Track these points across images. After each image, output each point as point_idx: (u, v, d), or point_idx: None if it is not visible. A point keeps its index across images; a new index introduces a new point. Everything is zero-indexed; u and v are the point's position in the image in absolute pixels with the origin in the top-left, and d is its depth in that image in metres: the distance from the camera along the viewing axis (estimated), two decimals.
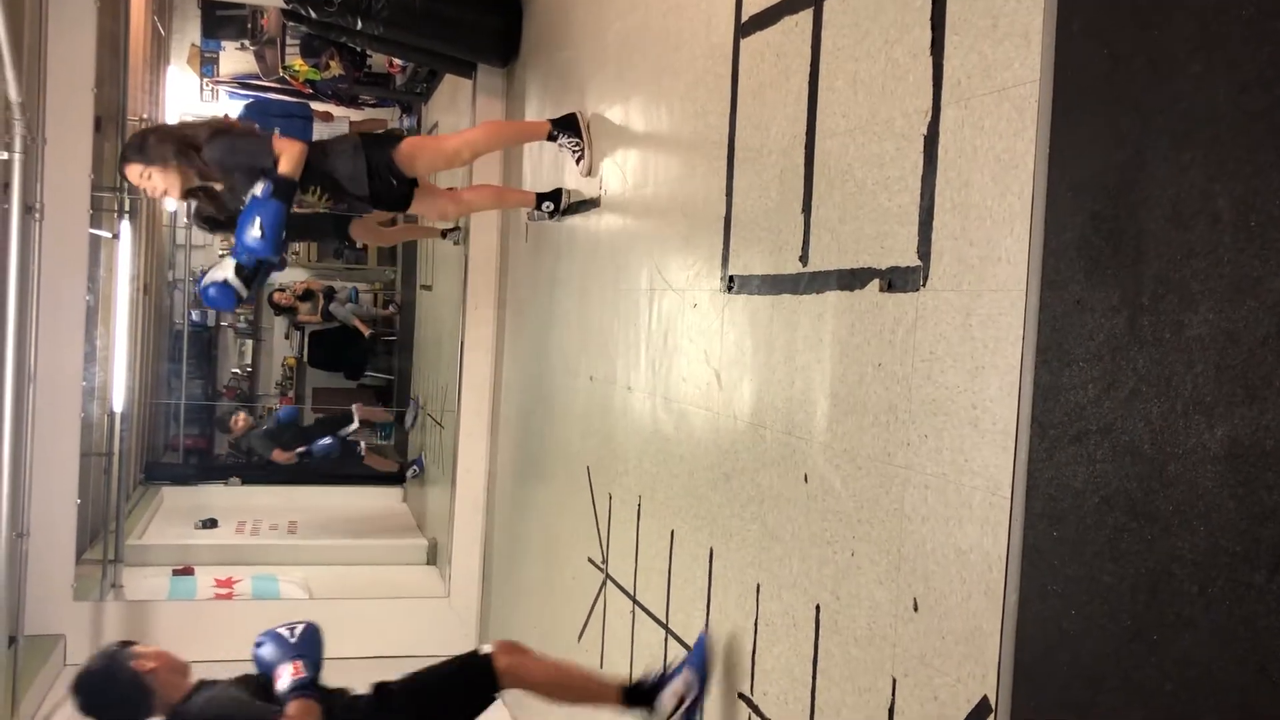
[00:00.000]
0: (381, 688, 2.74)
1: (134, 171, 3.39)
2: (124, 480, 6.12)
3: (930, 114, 1.85)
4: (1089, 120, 1.50)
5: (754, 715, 2.45)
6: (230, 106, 8.55)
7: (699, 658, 2.63)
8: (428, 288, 8.01)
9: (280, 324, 10.44)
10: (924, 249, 1.85)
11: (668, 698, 2.62)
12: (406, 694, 2.74)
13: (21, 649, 4.29)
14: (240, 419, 8.44)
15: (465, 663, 2.80)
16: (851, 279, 2.08)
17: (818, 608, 2.17)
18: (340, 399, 9.00)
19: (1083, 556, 1.46)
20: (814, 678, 2.18)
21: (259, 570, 6.39)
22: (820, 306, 2.20)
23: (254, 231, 3.27)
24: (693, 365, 2.86)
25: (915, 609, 1.84)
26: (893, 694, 1.90)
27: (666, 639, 2.99)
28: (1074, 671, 1.48)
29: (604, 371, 3.61)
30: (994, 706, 1.64)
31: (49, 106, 4.73)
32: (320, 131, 8.04)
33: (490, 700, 2.78)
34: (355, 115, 8.81)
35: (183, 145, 3.36)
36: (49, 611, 4.93)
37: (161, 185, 3.38)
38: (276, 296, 9.67)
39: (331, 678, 3.18)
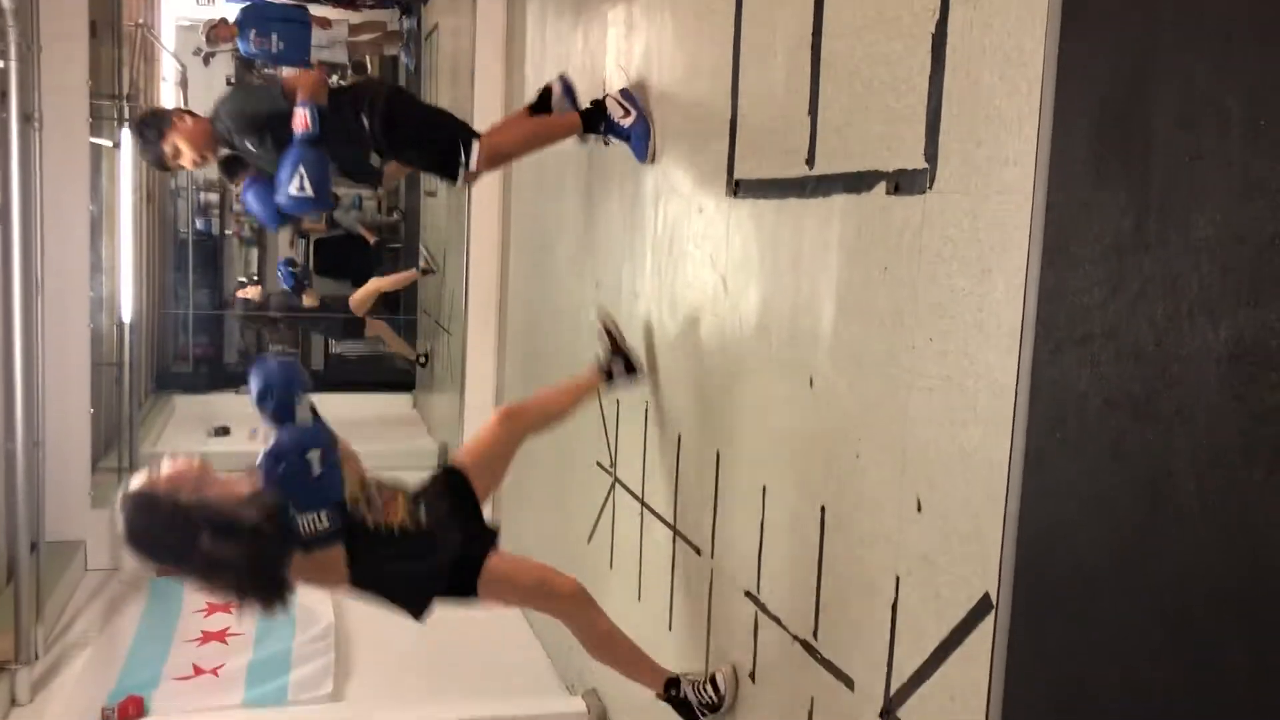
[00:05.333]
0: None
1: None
2: (135, 389, 6.18)
3: (938, 12, 1.81)
4: (1099, 18, 1.47)
5: (760, 612, 2.50)
6: (227, 10, 8.39)
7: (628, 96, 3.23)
8: (432, 194, 7.95)
9: (285, 231, 10.35)
10: (931, 151, 1.84)
11: (610, 106, 3.25)
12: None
13: (43, 554, 4.38)
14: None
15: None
16: (858, 182, 2.06)
17: (823, 508, 2.21)
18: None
19: (1085, 457, 1.48)
20: (819, 576, 2.22)
21: None
22: (826, 210, 2.19)
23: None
24: (699, 271, 2.85)
25: (919, 509, 1.87)
26: (896, 591, 1.94)
27: (675, 539, 3.04)
28: (1074, 569, 1.51)
29: (610, 278, 3.61)
30: (995, 603, 1.67)
31: (42, 12, 4.65)
32: (319, 38, 7.91)
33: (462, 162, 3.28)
34: (354, 18, 8.64)
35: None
36: (68, 519, 5.03)
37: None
38: None
39: None
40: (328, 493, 2.40)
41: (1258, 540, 1.23)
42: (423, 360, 8.06)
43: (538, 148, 3.58)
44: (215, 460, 6.82)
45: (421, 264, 7.80)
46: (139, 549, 2.31)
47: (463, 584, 2.63)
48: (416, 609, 2.64)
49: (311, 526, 2.35)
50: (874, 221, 2.01)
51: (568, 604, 2.78)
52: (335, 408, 7.89)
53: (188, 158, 3.28)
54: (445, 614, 2.68)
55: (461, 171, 3.35)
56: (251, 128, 3.24)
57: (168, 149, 3.27)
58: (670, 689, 2.80)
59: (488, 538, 2.76)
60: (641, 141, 3.19)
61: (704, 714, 2.72)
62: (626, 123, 3.21)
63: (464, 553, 2.65)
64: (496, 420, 3.03)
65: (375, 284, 7.98)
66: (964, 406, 1.75)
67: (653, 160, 3.19)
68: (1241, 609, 1.26)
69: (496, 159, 3.41)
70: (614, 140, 3.33)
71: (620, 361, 3.25)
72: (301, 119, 3.10)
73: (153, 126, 3.31)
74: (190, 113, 3.34)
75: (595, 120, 3.30)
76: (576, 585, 2.77)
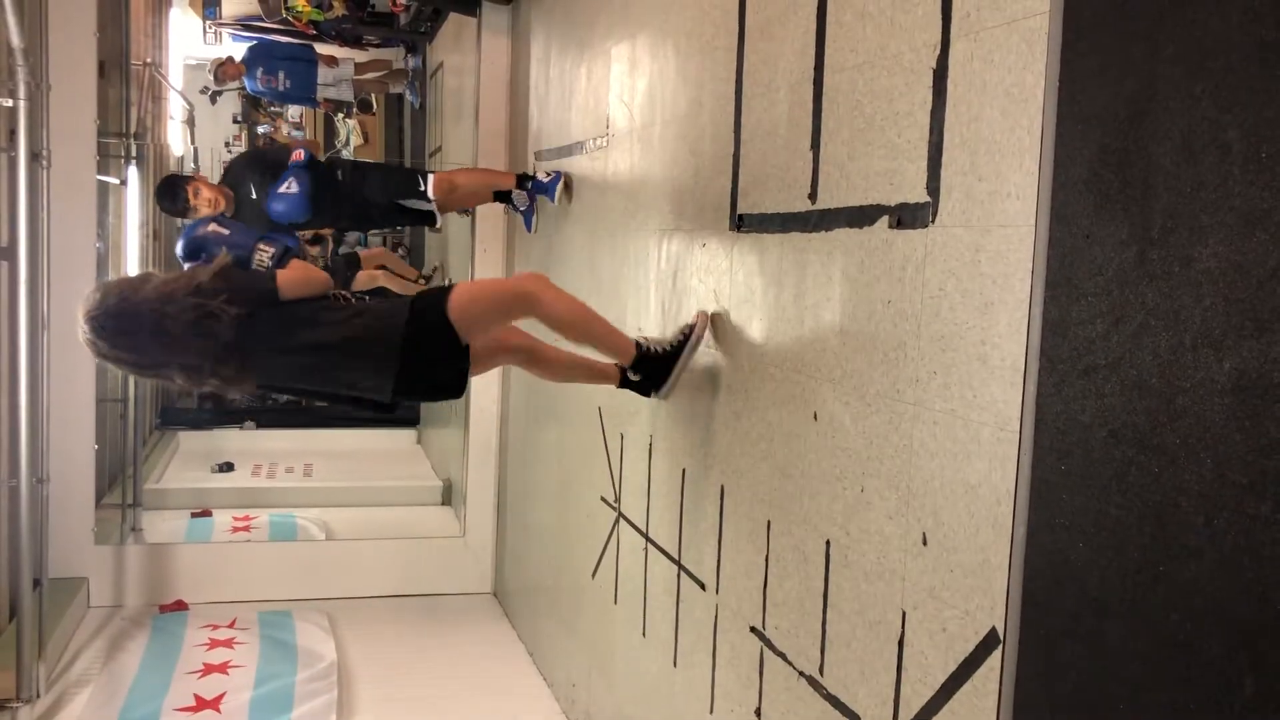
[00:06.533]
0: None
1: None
2: (140, 426, 6.17)
3: (939, 47, 1.83)
4: (1099, 51, 1.48)
5: (766, 648, 2.48)
6: (234, 49, 8.47)
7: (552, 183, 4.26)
8: (436, 230, 7.98)
9: None
10: (933, 185, 1.84)
11: (540, 177, 4.37)
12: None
13: (46, 591, 4.37)
14: None
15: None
16: (860, 216, 2.07)
17: (828, 543, 2.20)
18: None
19: (1091, 490, 1.48)
20: (824, 611, 2.21)
21: (276, 510, 6.47)
22: (829, 244, 2.20)
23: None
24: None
25: (924, 543, 1.86)
26: (902, 626, 1.93)
27: (679, 574, 3.03)
28: (1081, 602, 1.50)
29: (614, 313, 3.61)
30: (1002, 637, 1.66)
31: (52, 52, 4.70)
32: (325, 76, 7.98)
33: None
34: (360, 56, 8.72)
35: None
36: (72, 555, 5.01)
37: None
38: None
39: (351, 616, 3.25)
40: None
41: (1265, 571, 1.22)
42: (424, 281, 7.48)
43: (480, 184, 4.69)
44: (220, 496, 6.84)
45: (427, 271, 7.58)
46: (101, 336, 2.62)
47: (434, 324, 2.74)
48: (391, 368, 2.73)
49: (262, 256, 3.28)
50: (877, 255, 2.02)
51: (534, 290, 2.86)
52: (339, 443, 7.93)
53: (205, 196, 4.39)
54: (448, 651, 2.66)
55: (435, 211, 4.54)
56: (263, 169, 4.41)
57: (189, 190, 4.40)
58: (639, 349, 2.90)
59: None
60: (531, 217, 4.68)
61: (671, 361, 2.85)
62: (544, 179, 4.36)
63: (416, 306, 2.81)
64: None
65: (381, 263, 7.74)
66: (968, 439, 1.75)
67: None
68: (1250, 641, 1.25)
69: (448, 185, 4.50)
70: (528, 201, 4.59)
71: (639, 373, 3.07)
72: (296, 154, 4.35)
73: (173, 181, 4.54)
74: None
75: (523, 180, 4.50)
76: (535, 277, 2.99)
